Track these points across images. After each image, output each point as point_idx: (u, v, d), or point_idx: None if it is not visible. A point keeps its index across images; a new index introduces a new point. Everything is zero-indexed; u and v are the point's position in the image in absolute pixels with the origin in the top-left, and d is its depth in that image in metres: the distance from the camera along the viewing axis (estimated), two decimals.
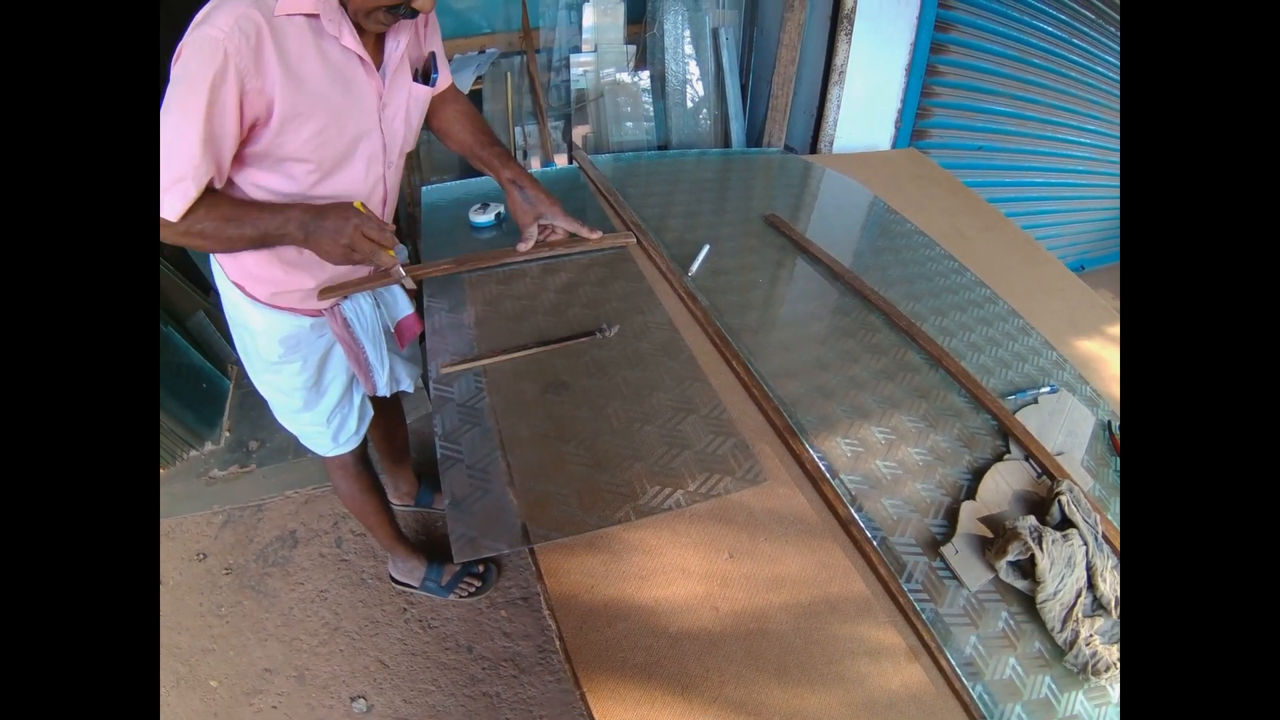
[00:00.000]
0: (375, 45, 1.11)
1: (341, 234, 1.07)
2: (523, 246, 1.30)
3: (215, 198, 1.05)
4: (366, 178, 1.17)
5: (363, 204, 1.11)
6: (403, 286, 1.29)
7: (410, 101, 1.19)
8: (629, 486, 0.94)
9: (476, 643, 1.78)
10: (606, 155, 2.07)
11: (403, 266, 1.28)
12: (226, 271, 1.22)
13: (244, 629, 1.80)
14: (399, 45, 1.13)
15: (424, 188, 1.73)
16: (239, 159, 1.04)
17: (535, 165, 2.12)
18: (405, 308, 1.41)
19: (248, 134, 1.01)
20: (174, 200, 0.97)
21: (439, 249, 1.40)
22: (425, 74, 1.21)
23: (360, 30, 1.05)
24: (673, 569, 0.87)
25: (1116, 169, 3.15)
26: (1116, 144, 3.06)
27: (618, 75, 2.29)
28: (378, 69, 1.11)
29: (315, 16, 0.99)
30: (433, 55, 1.23)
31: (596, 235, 1.38)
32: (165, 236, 1.03)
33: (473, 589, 1.86)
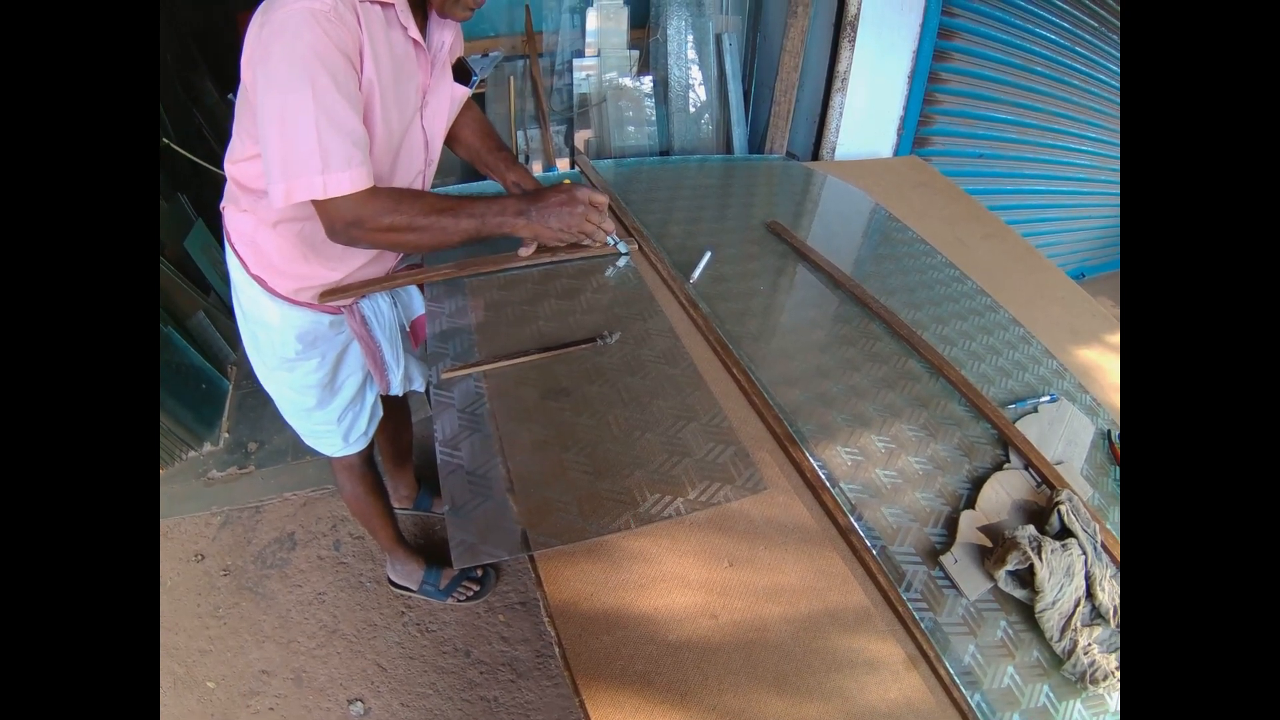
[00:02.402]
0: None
1: (574, 206, 1.13)
2: (524, 251, 1.31)
3: (416, 192, 1.07)
4: (409, 174, 1.18)
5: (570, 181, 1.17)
6: (617, 251, 1.37)
7: (451, 102, 1.21)
8: (629, 494, 0.94)
9: (474, 647, 1.78)
10: (608, 160, 2.08)
11: (406, 269, 1.31)
12: (248, 266, 1.22)
13: (242, 630, 1.80)
14: (445, 44, 1.14)
15: None
16: None
17: (537, 169, 2.13)
18: (421, 306, 1.41)
19: None
20: (348, 171, 0.96)
21: (440, 254, 1.39)
22: (465, 76, 1.22)
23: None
24: (672, 577, 0.87)
25: (1117, 176, 3.16)
26: (1117, 152, 3.07)
27: (620, 80, 2.30)
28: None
29: (390, 6, 1.00)
30: (463, 59, 1.25)
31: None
32: (355, 236, 1.02)
33: (471, 593, 1.86)
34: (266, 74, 0.93)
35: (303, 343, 1.28)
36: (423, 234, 1.06)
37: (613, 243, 1.34)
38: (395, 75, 1.05)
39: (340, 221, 1.01)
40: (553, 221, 1.12)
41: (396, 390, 1.47)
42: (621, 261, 1.37)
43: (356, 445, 1.49)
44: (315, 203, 0.99)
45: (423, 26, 1.11)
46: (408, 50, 1.07)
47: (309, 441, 1.48)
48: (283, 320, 1.25)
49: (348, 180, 0.97)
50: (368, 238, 1.04)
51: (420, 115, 1.16)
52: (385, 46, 1.02)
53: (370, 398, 1.48)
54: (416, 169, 1.20)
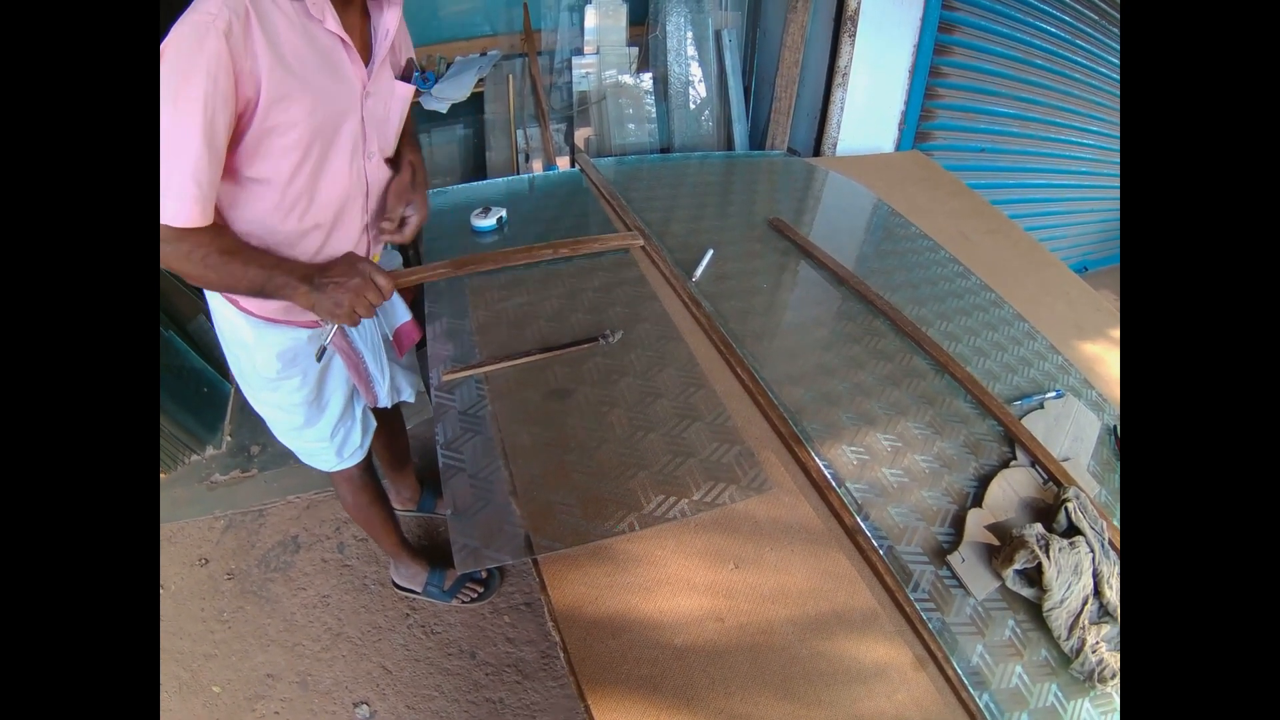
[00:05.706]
0: (361, 37, 1.10)
1: (343, 297, 1.06)
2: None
3: (220, 229, 1.02)
4: (350, 170, 1.15)
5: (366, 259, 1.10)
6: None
7: (393, 98, 1.19)
8: (633, 496, 0.93)
9: (480, 648, 1.77)
10: (609, 159, 2.07)
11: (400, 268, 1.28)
12: None
13: (246, 634, 1.80)
14: (388, 35, 1.12)
15: None
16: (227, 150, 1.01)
17: (537, 168, 2.11)
18: (403, 314, 1.39)
19: (236, 120, 0.98)
20: (175, 203, 0.93)
21: (440, 254, 1.39)
22: (407, 76, 1.21)
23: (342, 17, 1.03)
24: (677, 580, 0.87)
25: (1119, 169, 3.14)
26: (1119, 144, 3.05)
27: (620, 77, 2.29)
28: (365, 60, 1.10)
29: (300, 0, 0.98)
30: (411, 60, 1.23)
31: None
32: (165, 257, 0.99)
33: (475, 594, 1.85)
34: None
35: (282, 361, 1.25)
36: (211, 271, 1.01)
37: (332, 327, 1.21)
38: (317, 68, 1.02)
39: (161, 238, 0.97)
40: (327, 304, 1.05)
41: (385, 402, 1.44)
42: (326, 356, 1.28)
43: (352, 460, 1.47)
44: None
45: (358, 19, 1.09)
46: (332, 44, 1.04)
47: (305, 459, 1.46)
48: (258, 339, 1.23)
49: (183, 214, 0.94)
50: (173, 262, 1.00)
51: (361, 106, 1.13)
52: (300, 40, 0.99)
53: (359, 411, 1.46)
54: (358, 166, 1.17)
